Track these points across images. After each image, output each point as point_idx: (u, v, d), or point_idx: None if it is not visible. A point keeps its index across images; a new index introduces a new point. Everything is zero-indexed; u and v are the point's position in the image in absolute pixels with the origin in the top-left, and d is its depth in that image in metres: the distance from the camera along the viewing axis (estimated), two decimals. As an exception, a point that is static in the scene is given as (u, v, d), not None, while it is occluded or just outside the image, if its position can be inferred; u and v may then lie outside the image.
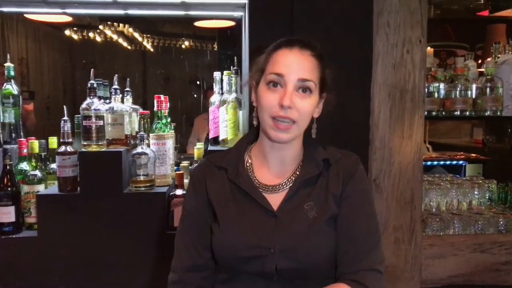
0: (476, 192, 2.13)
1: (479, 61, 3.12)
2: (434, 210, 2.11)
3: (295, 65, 1.15)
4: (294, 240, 1.15)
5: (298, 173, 1.23)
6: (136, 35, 6.68)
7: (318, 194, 1.20)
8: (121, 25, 6.35)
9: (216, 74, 2.05)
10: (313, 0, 1.82)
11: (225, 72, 2.00)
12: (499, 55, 2.28)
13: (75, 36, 6.69)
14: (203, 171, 1.28)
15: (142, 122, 2.01)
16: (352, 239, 1.17)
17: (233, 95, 1.95)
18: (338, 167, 1.22)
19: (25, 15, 3.09)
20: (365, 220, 1.20)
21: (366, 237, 1.18)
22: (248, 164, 1.26)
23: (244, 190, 1.21)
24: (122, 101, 2.06)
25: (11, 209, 1.86)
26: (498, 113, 2.04)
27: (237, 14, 2.21)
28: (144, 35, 6.88)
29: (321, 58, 1.20)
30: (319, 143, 1.28)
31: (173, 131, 2.11)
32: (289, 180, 1.23)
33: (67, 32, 6.58)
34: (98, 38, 6.76)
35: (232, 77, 1.98)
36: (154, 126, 2.01)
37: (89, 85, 1.88)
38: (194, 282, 1.23)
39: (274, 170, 1.25)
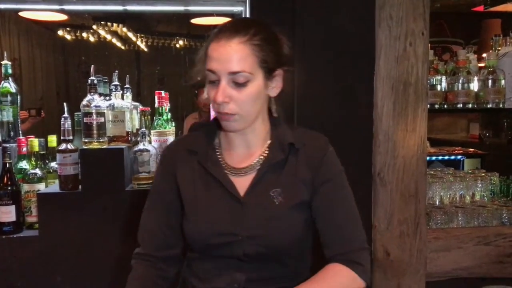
0: (479, 185, 2.13)
1: (475, 56, 3.12)
2: (437, 203, 2.10)
3: (222, 58, 1.09)
4: (261, 227, 1.15)
5: (265, 156, 1.21)
6: (130, 34, 6.63)
7: (285, 180, 1.19)
8: (114, 24, 6.29)
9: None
10: (315, -7, 1.81)
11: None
12: (499, 48, 2.28)
13: (68, 37, 6.63)
14: (174, 154, 1.27)
15: (143, 118, 1.99)
16: (335, 225, 1.20)
17: (235, 90, 1.93)
18: (306, 151, 1.20)
19: (19, 13, 3.06)
20: (343, 204, 1.21)
21: (348, 221, 1.21)
22: (217, 146, 1.25)
23: (212, 174, 1.20)
24: (122, 98, 2.04)
25: (12, 208, 1.83)
26: (501, 105, 2.03)
27: (236, 9, 2.19)
28: (138, 34, 6.83)
29: (257, 41, 1.10)
30: (288, 124, 1.26)
31: (174, 127, 2.09)
32: (256, 163, 1.21)
33: (60, 32, 6.52)
34: (92, 38, 6.70)
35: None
36: (155, 123, 1.99)
37: (89, 81, 1.85)
38: (160, 256, 1.25)
39: (240, 153, 1.23)
